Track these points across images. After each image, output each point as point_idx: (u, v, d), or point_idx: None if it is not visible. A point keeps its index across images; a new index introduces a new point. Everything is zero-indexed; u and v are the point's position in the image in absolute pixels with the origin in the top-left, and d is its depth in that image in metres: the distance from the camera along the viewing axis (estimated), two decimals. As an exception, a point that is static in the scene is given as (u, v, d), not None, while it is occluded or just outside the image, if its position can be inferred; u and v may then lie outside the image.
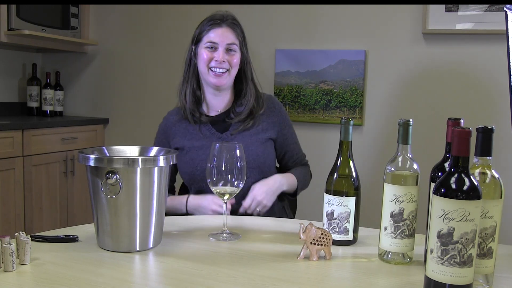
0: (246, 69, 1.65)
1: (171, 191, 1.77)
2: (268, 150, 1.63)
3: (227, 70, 1.58)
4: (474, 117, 2.43)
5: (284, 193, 1.64)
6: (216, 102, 1.66)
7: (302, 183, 1.68)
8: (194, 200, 1.53)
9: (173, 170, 1.70)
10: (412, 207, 1.03)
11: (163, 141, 1.69)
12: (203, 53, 1.58)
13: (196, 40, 1.62)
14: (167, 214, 1.56)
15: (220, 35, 1.57)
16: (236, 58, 1.59)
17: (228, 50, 1.58)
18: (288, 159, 1.72)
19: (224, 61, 1.56)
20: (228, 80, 1.60)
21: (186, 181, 1.65)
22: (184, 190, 1.75)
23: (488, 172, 0.90)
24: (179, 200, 1.57)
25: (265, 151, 1.62)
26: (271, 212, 1.60)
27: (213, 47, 1.57)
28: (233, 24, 1.60)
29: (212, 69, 1.57)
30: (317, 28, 2.75)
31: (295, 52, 2.77)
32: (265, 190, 1.51)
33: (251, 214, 1.50)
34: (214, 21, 1.58)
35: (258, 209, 1.49)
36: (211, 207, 1.46)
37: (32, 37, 2.90)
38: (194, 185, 1.62)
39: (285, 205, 1.71)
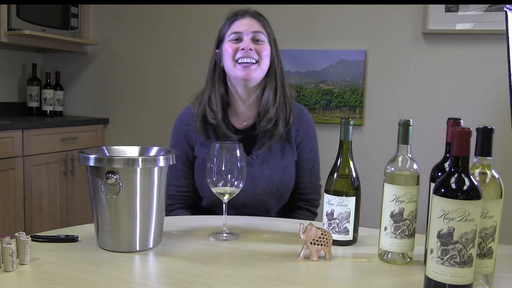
0: (276, 70, 1.47)
1: (185, 202, 1.57)
2: (291, 176, 1.52)
3: (256, 61, 1.41)
4: (474, 117, 2.43)
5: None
6: (245, 108, 1.50)
7: None
8: None
9: (190, 177, 1.54)
10: (412, 207, 1.03)
11: (183, 143, 1.52)
12: (227, 47, 1.42)
13: (219, 40, 1.49)
14: None
15: (244, 24, 1.42)
16: (265, 50, 1.42)
17: (255, 39, 1.42)
18: (295, 184, 1.56)
19: (251, 49, 1.39)
20: (258, 73, 1.42)
21: (200, 191, 1.54)
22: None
23: (488, 172, 0.90)
24: None
25: (289, 179, 1.50)
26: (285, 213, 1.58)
27: (238, 38, 1.42)
28: (258, 14, 1.48)
29: (239, 60, 1.41)
30: (317, 28, 2.75)
31: (295, 52, 2.77)
32: None
33: None
34: (237, 13, 1.46)
35: None
36: None
37: (32, 37, 2.90)
38: (208, 198, 1.50)
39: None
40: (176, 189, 1.54)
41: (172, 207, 1.54)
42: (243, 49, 1.40)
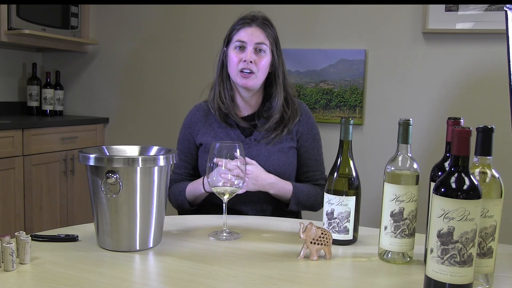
0: (277, 73, 1.60)
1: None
2: (290, 160, 1.59)
3: (254, 72, 1.54)
4: (474, 117, 2.43)
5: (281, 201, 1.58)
6: (245, 103, 1.63)
7: (300, 199, 1.54)
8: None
9: (189, 167, 1.66)
10: (412, 206, 1.03)
11: (187, 136, 1.66)
12: (233, 56, 1.55)
13: (227, 41, 1.60)
14: (190, 203, 1.56)
15: (249, 34, 1.54)
16: (264, 61, 1.55)
17: (257, 50, 1.55)
18: (301, 173, 1.64)
19: (251, 61, 1.52)
20: (255, 82, 1.55)
21: (201, 175, 1.62)
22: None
23: (488, 171, 0.90)
24: (197, 183, 1.53)
25: (287, 161, 1.58)
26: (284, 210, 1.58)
27: (242, 47, 1.55)
28: (264, 24, 1.58)
29: (240, 70, 1.54)
30: (317, 27, 2.75)
31: (295, 52, 2.77)
32: (257, 177, 1.45)
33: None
34: (245, 20, 1.57)
35: (233, 184, 1.24)
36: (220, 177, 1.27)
37: (32, 37, 2.90)
38: None
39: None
40: (176, 176, 1.67)
41: (171, 183, 1.65)
42: (245, 60, 1.53)
